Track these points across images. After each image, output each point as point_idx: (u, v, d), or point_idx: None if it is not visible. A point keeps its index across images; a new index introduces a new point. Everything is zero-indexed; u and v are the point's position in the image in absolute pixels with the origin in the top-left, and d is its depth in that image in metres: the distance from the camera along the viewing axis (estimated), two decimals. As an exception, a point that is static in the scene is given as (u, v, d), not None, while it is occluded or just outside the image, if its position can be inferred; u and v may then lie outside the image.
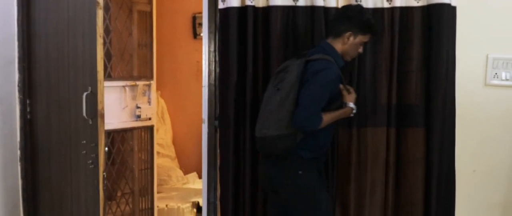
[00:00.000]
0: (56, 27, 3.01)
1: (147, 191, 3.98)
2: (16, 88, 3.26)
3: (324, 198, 2.62)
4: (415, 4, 2.82)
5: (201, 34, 3.77)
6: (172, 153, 5.31)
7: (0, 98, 3.18)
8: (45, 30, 3.13)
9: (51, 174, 3.18)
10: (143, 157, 3.96)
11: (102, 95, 2.58)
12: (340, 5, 2.85)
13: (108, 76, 3.56)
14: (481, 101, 2.95)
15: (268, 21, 2.86)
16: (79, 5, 2.78)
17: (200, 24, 5.01)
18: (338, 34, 2.58)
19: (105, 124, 2.64)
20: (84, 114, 2.64)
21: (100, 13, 2.54)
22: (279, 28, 2.84)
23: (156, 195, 4.07)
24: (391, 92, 2.86)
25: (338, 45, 2.58)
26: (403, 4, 2.82)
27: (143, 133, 3.91)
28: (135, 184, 3.89)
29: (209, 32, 3.11)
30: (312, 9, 2.84)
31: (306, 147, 2.52)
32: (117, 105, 3.62)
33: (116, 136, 3.77)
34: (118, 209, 3.83)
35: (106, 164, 2.68)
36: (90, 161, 2.63)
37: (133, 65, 3.82)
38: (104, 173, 2.62)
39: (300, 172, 2.53)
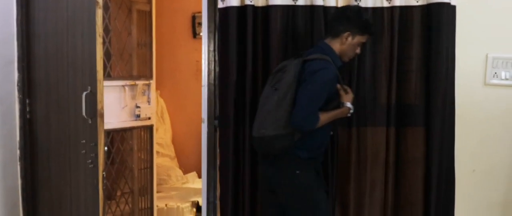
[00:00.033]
0: (55, 27, 3.00)
1: (147, 191, 3.98)
2: (16, 88, 3.26)
3: (322, 197, 2.62)
4: (414, 3, 2.82)
5: (201, 34, 3.77)
6: (172, 153, 5.31)
7: (-1, 97, 3.18)
8: (45, 29, 3.13)
9: (50, 174, 3.18)
10: (142, 157, 3.96)
11: (102, 95, 2.58)
12: (339, 4, 2.86)
13: (108, 76, 3.56)
14: (481, 101, 2.95)
15: (267, 20, 2.86)
16: (78, 5, 2.78)
17: (200, 24, 5.01)
18: (336, 34, 2.58)
19: (105, 124, 2.64)
20: (84, 113, 2.64)
21: (99, 13, 2.54)
22: (278, 27, 2.85)
23: (155, 195, 4.07)
24: (390, 92, 2.86)
25: (336, 45, 2.59)
26: (403, 4, 2.83)
27: (142, 133, 3.91)
28: (134, 184, 3.89)
29: (209, 32, 3.11)
30: (311, 8, 2.84)
31: (303, 147, 2.52)
32: (116, 105, 3.62)
33: (116, 136, 3.77)
34: (118, 209, 3.83)
35: (105, 163, 2.68)
36: (90, 161, 2.63)
37: (133, 65, 3.82)
38: (104, 173, 2.62)
39: (297, 172, 2.53)
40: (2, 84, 3.19)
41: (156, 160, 4.17)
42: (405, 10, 2.83)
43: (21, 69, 3.25)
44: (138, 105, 3.75)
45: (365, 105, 2.88)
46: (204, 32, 3.14)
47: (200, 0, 3.13)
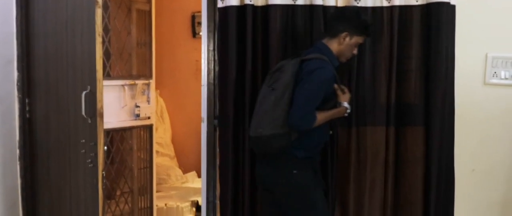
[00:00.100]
0: (55, 26, 3.00)
1: (146, 190, 3.98)
2: (15, 87, 3.26)
3: (319, 197, 2.62)
4: (414, 2, 2.82)
5: (200, 33, 3.77)
6: (171, 152, 5.31)
7: (-1, 97, 3.18)
8: (44, 29, 3.13)
9: (50, 173, 3.18)
10: (142, 156, 3.95)
11: (101, 94, 2.58)
12: (339, 4, 2.85)
13: (107, 75, 3.56)
14: (480, 100, 2.95)
15: (267, 19, 2.86)
16: (78, 4, 2.78)
17: (199, 23, 5.00)
18: (334, 34, 2.59)
19: (104, 123, 2.64)
20: (83, 113, 2.64)
21: (99, 12, 2.54)
22: (278, 26, 2.85)
23: (155, 194, 4.07)
24: (390, 91, 2.86)
25: (334, 45, 2.60)
26: (402, 3, 2.83)
27: (142, 132, 3.91)
28: (134, 183, 3.89)
29: (208, 31, 3.11)
30: (311, 8, 2.84)
31: (300, 146, 2.53)
32: (116, 104, 3.62)
33: (115, 135, 3.77)
34: (117, 208, 3.83)
35: (105, 163, 2.67)
36: (89, 160, 2.63)
37: (132, 64, 3.82)
38: (103, 172, 2.62)
39: (294, 171, 2.54)
40: (2, 83, 3.19)
41: (156, 159, 4.17)
42: (405, 9, 2.83)
43: (20, 68, 3.25)
44: (137, 104, 3.75)
45: (365, 104, 2.88)
46: (203, 32, 3.14)
47: (199, 0, 3.13)
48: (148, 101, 3.85)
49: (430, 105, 2.83)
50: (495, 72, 2.92)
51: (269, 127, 2.45)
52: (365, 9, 2.83)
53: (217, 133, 3.08)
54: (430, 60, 2.82)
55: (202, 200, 3.27)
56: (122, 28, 3.76)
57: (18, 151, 3.30)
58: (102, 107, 2.59)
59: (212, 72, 3.13)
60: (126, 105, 3.67)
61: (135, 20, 3.80)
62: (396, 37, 2.83)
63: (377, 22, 2.84)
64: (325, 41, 2.63)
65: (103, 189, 2.63)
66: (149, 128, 3.92)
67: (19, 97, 3.27)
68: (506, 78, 2.91)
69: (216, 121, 3.09)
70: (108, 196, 3.80)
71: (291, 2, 2.85)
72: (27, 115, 3.28)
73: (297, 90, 2.44)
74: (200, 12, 3.21)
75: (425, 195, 2.89)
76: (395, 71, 2.85)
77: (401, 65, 2.86)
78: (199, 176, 4.96)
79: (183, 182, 5.07)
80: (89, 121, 2.64)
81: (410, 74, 2.86)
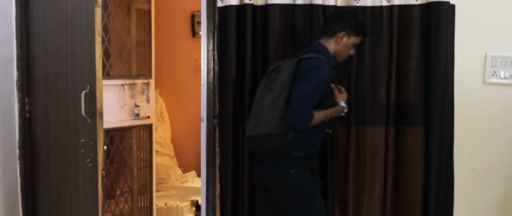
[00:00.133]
0: (54, 26, 3.00)
1: (146, 190, 3.98)
2: (15, 87, 3.26)
3: (317, 197, 2.62)
4: (414, 2, 2.82)
5: (200, 33, 3.77)
6: (171, 152, 5.31)
7: (-2, 96, 3.18)
8: (44, 28, 3.13)
9: (50, 173, 3.18)
10: (142, 156, 3.95)
11: (101, 94, 2.58)
12: (338, 3, 2.85)
13: (107, 75, 3.56)
14: (480, 100, 2.95)
15: (266, 19, 2.86)
16: (77, 4, 2.78)
17: (199, 23, 5.00)
18: (332, 34, 2.60)
19: (104, 123, 2.64)
20: (83, 112, 2.64)
21: (98, 12, 2.54)
22: (277, 26, 2.85)
23: (155, 194, 4.07)
24: (390, 91, 2.86)
25: (331, 45, 2.60)
26: (402, 2, 2.83)
27: (142, 132, 3.91)
28: (134, 183, 3.89)
29: (208, 31, 3.11)
30: (310, 7, 2.84)
31: (297, 146, 2.53)
32: (115, 104, 3.62)
33: (115, 135, 3.77)
34: (117, 208, 3.83)
35: (105, 162, 2.67)
36: (89, 160, 2.63)
37: (132, 64, 3.82)
38: (103, 172, 2.62)
39: (292, 171, 2.54)
40: (1, 83, 3.19)
41: (156, 159, 4.17)
42: (404, 9, 2.83)
43: (20, 68, 3.25)
44: (137, 104, 3.75)
45: (364, 104, 2.88)
46: (203, 31, 3.14)
47: (199, -1, 3.14)
48: (148, 101, 3.85)
49: (429, 105, 2.83)
50: (494, 72, 2.92)
51: (266, 126, 2.46)
52: (364, 8, 2.83)
53: (217, 132, 3.08)
54: (430, 60, 2.82)
55: (201, 200, 3.28)
56: (122, 27, 3.76)
57: (18, 150, 3.30)
58: (101, 107, 2.59)
59: (212, 72, 3.13)
60: (125, 104, 3.68)
61: (135, 19, 3.80)
62: (395, 37, 2.83)
63: (377, 22, 2.84)
64: (322, 41, 2.63)
65: (103, 188, 2.63)
66: (149, 127, 3.92)
67: (18, 97, 3.27)
68: (505, 78, 2.91)
69: (215, 121, 3.09)
70: (108, 195, 3.80)
71: (291, 2, 2.85)
72: (27, 115, 3.28)
73: (295, 89, 2.44)
74: (199, 11, 3.20)
75: (425, 195, 2.89)
76: (394, 71, 2.85)
77: (401, 65, 2.86)
78: (198, 175, 4.97)
79: (183, 182, 5.07)
80: (89, 121, 2.64)
81: (410, 73, 2.86)
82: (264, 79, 2.60)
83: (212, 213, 3.21)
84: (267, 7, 2.86)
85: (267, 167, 2.61)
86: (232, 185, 2.96)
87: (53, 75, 3.05)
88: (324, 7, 2.83)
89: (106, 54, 3.48)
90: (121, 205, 3.85)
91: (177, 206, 4.41)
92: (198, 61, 3.38)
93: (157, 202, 4.22)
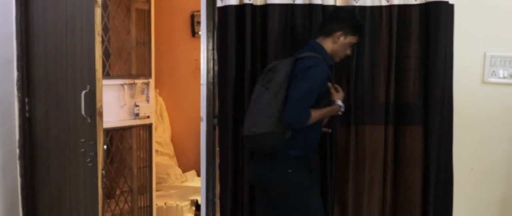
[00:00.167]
0: (54, 26, 3.01)
1: (146, 189, 3.98)
2: (15, 87, 3.26)
3: (315, 196, 2.63)
4: (413, 2, 2.83)
5: (200, 33, 3.77)
6: (171, 151, 5.31)
7: (-2, 96, 3.19)
8: (44, 28, 3.13)
9: (50, 172, 3.18)
10: (141, 155, 3.96)
11: (101, 94, 2.58)
12: (338, 3, 2.86)
13: (107, 75, 3.56)
14: (479, 99, 2.96)
15: (266, 19, 2.86)
16: (77, 4, 2.78)
17: (199, 23, 4.99)
18: (328, 33, 2.61)
19: (104, 122, 2.64)
20: (83, 112, 2.64)
21: (98, 11, 2.54)
22: (277, 26, 2.85)
23: (154, 193, 4.07)
24: (389, 90, 2.86)
25: (328, 44, 2.61)
26: (401, 2, 2.83)
27: (141, 131, 3.91)
28: (133, 182, 3.89)
29: (207, 31, 3.12)
30: (310, 7, 2.84)
31: (295, 145, 2.53)
32: (115, 104, 3.62)
33: (115, 134, 3.77)
34: (117, 207, 3.83)
35: (105, 162, 2.68)
36: (89, 159, 2.63)
37: (132, 64, 3.82)
38: (103, 171, 2.62)
39: (289, 170, 2.54)
40: (1, 83, 3.19)
41: (155, 158, 4.17)
42: (404, 8, 2.84)
43: (20, 68, 3.26)
44: (137, 103, 3.75)
45: (364, 103, 2.88)
46: (202, 31, 3.14)
47: (198, -1, 3.14)
48: (148, 100, 3.85)
49: (429, 104, 2.84)
50: (493, 71, 2.93)
51: (263, 125, 2.46)
52: (363, 8, 2.83)
53: (217, 132, 3.08)
54: (429, 59, 2.82)
55: (201, 199, 3.28)
56: (122, 27, 3.77)
57: (18, 150, 3.31)
58: (101, 107, 2.59)
59: (212, 71, 3.14)
60: (125, 104, 3.68)
61: (135, 19, 3.80)
62: (394, 36, 2.84)
63: (376, 22, 2.84)
64: (319, 40, 2.64)
65: (102, 188, 2.63)
66: (149, 127, 3.93)
67: (18, 97, 3.28)
68: (504, 77, 2.92)
69: (215, 120, 3.10)
70: (108, 195, 3.80)
71: (290, 2, 2.86)
72: (27, 115, 3.29)
73: (292, 88, 2.44)
74: (199, 11, 3.21)
75: (424, 194, 2.89)
76: (394, 70, 2.85)
77: (400, 64, 2.86)
78: (198, 175, 4.97)
79: (183, 181, 5.07)
80: (89, 121, 2.65)
81: (409, 73, 2.87)
82: (261, 79, 2.60)
83: (212, 213, 3.21)
84: (266, 7, 2.87)
85: (265, 166, 2.61)
86: (232, 184, 2.97)
87: (53, 75, 3.05)
88: (323, 7, 2.83)
89: (106, 54, 3.49)
90: (121, 205, 3.85)
91: (177, 205, 4.41)
92: (197, 60, 3.38)
93: (157, 202, 4.22)
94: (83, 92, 2.63)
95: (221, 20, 2.93)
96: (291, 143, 2.51)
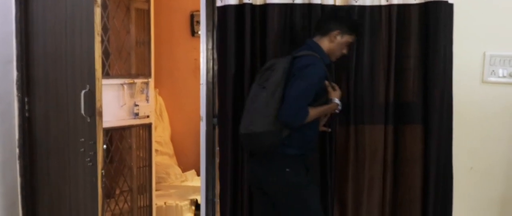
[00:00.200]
0: (54, 25, 3.01)
1: (146, 189, 3.98)
2: (15, 86, 3.26)
3: (313, 194, 2.63)
4: (412, 1, 2.83)
5: (199, 32, 3.77)
6: (171, 151, 5.32)
7: (-2, 96, 3.19)
8: (43, 28, 3.13)
9: (49, 172, 3.18)
10: (141, 155, 3.96)
11: (100, 93, 2.58)
12: (337, 2, 2.86)
13: (106, 74, 3.56)
14: (479, 99, 2.96)
15: (265, 18, 2.87)
16: (77, 3, 2.78)
17: (198, 22, 4.97)
18: (325, 32, 2.61)
19: (103, 122, 2.64)
20: (82, 112, 2.64)
21: (97, 11, 2.54)
22: (276, 25, 2.85)
23: (154, 193, 4.07)
24: (388, 90, 2.87)
25: (325, 43, 2.62)
26: (400, 2, 2.83)
27: (141, 131, 3.91)
28: (133, 182, 3.89)
29: (207, 30, 3.12)
30: (309, 6, 2.84)
31: (292, 144, 2.53)
32: (115, 103, 3.62)
33: (114, 134, 3.77)
34: (117, 207, 3.83)
35: (104, 162, 2.68)
36: (88, 159, 2.64)
37: (131, 63, 3.82)
38: (103, 171, 2.62)
39: (287, 169, 2.54)
40: (1, 82, 3.19)
41: (155, 158, 4.17)
42: (403, 8, 2.84)
43: (20, 67, 3.26)
44: (136, 103, 3.75)
45: (363, 103, 2.88)
46: (202, 31, 3.14)
47: (198, -1, 3.14)
48: (147, 100, 3.86)
49: (428, 104, 2.84)
50: (493, 70, 2.93)
51: (260, 124, 2.46)
52: (363, 8, 2.84)
53: (216, 131, 3.08)
54: (428, 59, 2.82)
55: (201, 199, 3.28)
56: (121, 27, 3.77)
57: (17, 150, 3.31)
58: (101, 106, 2.59)
59: (211, 71, 3.14)
60: (125, 104, 3.68)
61: (134, 19, 3.80)
62: (394, 36, 2.84)
63: (376, 21, 2.84)
64: (316, 39, 2.65)
65: (102, 187, 2.63)
66: (148, 126, 3.93)
67: (18, 96, 3.27)
68: (504, 76, 2.92)
69: (215, 120, 3.10)
70: (108, 194, 3.80)
71: (290, 1, 2.86)
72: (27, 114, 3.29)
73: (289, 87, 2.45)
74: (198, 11, 3.20)
75: (424, 194, 2.90)
76: (393, 70, 2.86)
77: (400, 64, 2.86)
78: (198, 174, 4.97)
79: (182, 181, 5.08)
80: (88, 120, 2.65)
81: (409, 72, 2.87)
82: (258, 78, 2.60)
83: (212, 212, 3.22)
84: (266, 6, 2.87)
85: (262, 166, 2.61)
86: (231, 184, 2.97)
87: (52, 74, 3.05)
88: (322, 6, 2.84)
89: (106, 53, 3.49)
90: (121, 204, 3.85)
91: (177, 205, 4.41)
92: (197, 60, 3.38)
93: (157, 201, 4.22)
94: (83, 92, 2.63)
95: (221, 19, 2.93)
96: (288, 142, 2.51)
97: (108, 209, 3.78)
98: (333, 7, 2.84)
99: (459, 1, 2.83)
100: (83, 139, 2.71)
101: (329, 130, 2.82)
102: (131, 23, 3.79)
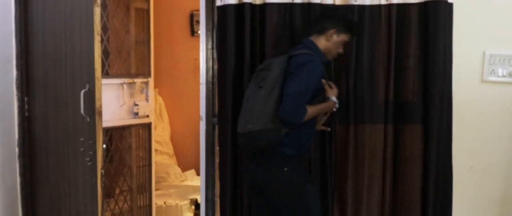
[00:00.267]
0: (53, 25, 3.01)
1: (145, 188, 3.99)
2: (14, 86, 3.27)
3: (312, 193, 2.63)
4: (412, 1, 2.82)
5: (199, 32, 3.77)
6: (170, 150, 5.32)
7: (-2, 95, 3.19)
8: (43, 27, 3.13)
9: (49, 172, 3.18)
10: (141, 155, 3.96)
11: (100, 93, 2.59)
12: (337, 2, 2.86)
13: (106, 74, 3.56)
14: (478, 98, 2.95)
15: (265, 18, 2.86)
16: (76, 3, 2.78)
17: (198, 22, 4.98)
18: (322, 31, 2.61)
19: (103, 122, 2.65)
20: (82, 111, 2.65)
21: (97, 11, 2.55)
22: (276, 25, 2.85)
23: (154, 192, 4.07)
24: (388, 89, 2.86)
25: (321, 42, 2.62)
26: (400, 1, 2.83)
27: (141, 131, 3.91)
28: (133, 182, 3.89)
29: (207, 30, 3.12)
30: (309, 6, 2.84)
31: (289, 143, 2.52)
32: (115, 103, 3.62)
33: (114, 134, 3.77)
34: (117, 206, 3.84)
35: (104, 161, 2.68)
36: (88, 159, 2.64)
37: (131, 63, 3.82)
38: (102, 170, 2.63)
39: (285, 169, 2.54)
40: (1, 82, 3.19)
41: (155, 158, 4.18)
42: (403, 7, 2.84)
43: (19, 67, 3.26)
44: (136, 103, 3.75)
45: (363, 102, 2.88)
46: (202, 30, 3.14)
47: (198, -2, 3.14)
48: (147, 100, 3.86)
49: (428, 103, 2.83)
50: (492, 70, 2.93)
51: (258, 122, 2.45)
52: (362, 7, 2.83)
53: (216, 131, 3.08)
54: (428, 58, 2.82)
55: (201, 198, 3.28)
56: (121, 26, 3.77)
57: (17, 149, 3.31)
58: (100, 106, 2.60)
59: (211, 71, 3.14)
60: (124, 103, 3.68)
61: (134, 18, 3.80)
62: (394, 35, 2.84)
63: (375, 20, 2.84)
64: (312, 38, 2.64)
65: (102, 187, 2.63)
66: (148, 126, 3.93)
67: (18, 96, 3.28)
68: (503, 76, 2.92)
69: (215, 119, 3.10)
70: (107, 194, 3.80)
71: (289, 0, 2.86)
72: (26, 114, 3.29)
73: (287, 84, 2.44)
74: (198, 10, 3.21)
75: (423, 193, 2.89)
76: (393, 69, 2.85)
77: (399, 63, 2.86)
78: (198, 174, 4.98)
79: (182, 180, 5.08)
80: (88, 120, 2.65)
81: (408, 72, 2.86)
82: (254, 78, 2.60)
83: (212, 212, 3.22)
84: (265, 6, 2.87)
85: (260, 166, 2.61)
86: (231, 183, 2.97)
87: (52, 74, 3.05)
88: (322, 6, 2.83)
89: (105, 53, 3.49)
90: (121, 204, 3.86)
91: (177, 204, 4.41)
92: (197, 60, 3.38)
93: (157, 201, 4.22)
94: (82, 91, 2.63)
95: (220, 19, 2.93)
96: (286, 142, 2.51)
97: (108, 208, 3.78)
98: (332, 6, 2.83)
99: (458, 0, 2.83)
100: (82, 139, 2.71)
101: (329, 129, 2.82)
102: (130, 23, 3.79)
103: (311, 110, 2.48)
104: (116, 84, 3.62)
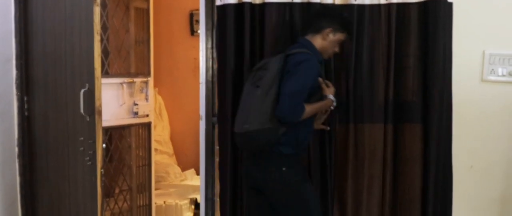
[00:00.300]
0: (53, 24, 3.01)
1: (145, 188, 3.99)
2: (14, 85, 3.27)
3: (310, 192, 2.63)
4: (411, 0, 2.82)
5: (198, 31, 3.77)
6: (170, 150, 5.32)
7: (-3, 95, 3.19)
8: (43, 27, 3.13)
9: (49, 171, 3.18)
10: (140, 154, 3.96)
11: (100, 92, 2.59)
12: (336, 1, 2.86)
13: (106, 73, 3.56)
14: (478, 97, 2.95)
15: (264, 17, 2.86)
16: (76, 2, 2.78)
17: (198, 21, 4.99)
18: (318, 30, 2.61)
19: (103, 121, 2.65)
20: (82, 111, 2.65)
21: (97, 10, 2.55)
22: (275, 24, 2.85)
23: (154, 192, 4.07)
24: (388, 89, 2.86)
25: (318, 41, 2.62)
26: (400, 0, 2.83)
27: (140, 130, 3.91)
28: (133, 181, 3.89)
29: (206, 29, 3.12)
30: (308, 5, 2.84)
31: (286, 142, 2.52)
32: (114, 102, 3.62)
33: (114, 133, 3.77)
34: (116, 206, 3.84)
35: (103, 161, 2.69)
36: (88, 158, 2.64)
37: (131, 62, 3.82)
38: (102, 170, 2.63)
39: (284, 168, 2.54)
40: (0, 81, 3.19)
41: (154, 157, 4.18)
42: (402, 7, 2.83)
43: (19, 66, 3.26)
44: (136, 102, 3.75)
45: (363, 102, 2.88)
46: (201, 30, 3.14)
47: (197, -2, 3.14)
48: (147, 99, 3.86)
49: (427, 103, 2.83)
50: (492, 69, 2.93)
51: (256, 122, 2.45)
52: (362, 6, 2.83)
53: (216, 130, 3.08)
54: (428, 58, 2.82)
55: (201, 198, 3.28)
56: (120, 26, 3.77)
57: (16, 149, 3.31)
58: (100, 105, 2.60)
59: (211, 70, 3.14)
60: (124, 103, 3.68)
61: (133, 18, 3.80)
62: (393, 35, 2.84)
63: (375, 20, 2.84)
64: (308, 37, 2.64)
65: (101, 186, 2.63)
66: (148, 126, 3.93)
67: (17, 95, 3.28)
68: (503, 75, 2.92)
69: (214, 119, 3.10)
70: (107, 193, 3.80)
71: (289, 0, 2.86)
72: (26, 113, 3.29)
73: (284, 83, 2.44)
74: (198, 10, 3.21)
75: (423, 193, 2.89)
76: (393, 69, 2.85)
77: (399, 63, 2.86)
78: (197, 173, 4.98)
79: (182, 180, 5.08)
80: (88, 119, 2.65)
81: (408, 71, 2.86)
82: (251, 78, 2.59)
83: (211, 211, 3.22)
84: (265, 5, 2.86)
85: (258, 165, 2.61)
86: (231, 182, 2.97)
87: (52, 73, 3.05)
88: (321, 5, 2.83)
89: (105, 52, 3.49)
90: (120, 203, 3.86)
91: (176, 204, 4.42)
92: (196, 59, 3.39)
93: (156, 200, 4.22)
94: (82, 91, 2.63)
95: (220, 18, 2.93)
96: (283, 141, 2.50)
97: (108, 208, 3.78)
98: (332, 6, 2.83)
99: (458, 0, 2.83)
100: (82, 138, 2.71)
101: (328, 128, 2.82)
102: (130, 22, 3.79)
103: (309, 109, 2.47)
104: (116, 83, 3.63)
